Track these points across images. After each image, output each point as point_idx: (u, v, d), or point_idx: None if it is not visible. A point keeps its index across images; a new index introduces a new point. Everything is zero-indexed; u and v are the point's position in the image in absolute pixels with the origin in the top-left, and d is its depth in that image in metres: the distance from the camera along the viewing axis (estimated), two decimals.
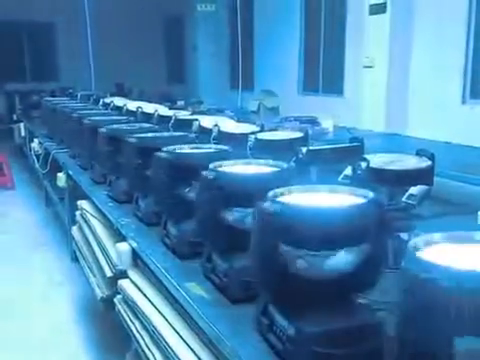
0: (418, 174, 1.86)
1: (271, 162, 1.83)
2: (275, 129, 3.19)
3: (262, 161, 1.88)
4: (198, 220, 1.80)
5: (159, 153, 2.15)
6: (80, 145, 3.95)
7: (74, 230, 3.58)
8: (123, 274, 2.34)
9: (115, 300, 2.37)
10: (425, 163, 1.89)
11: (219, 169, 1.75)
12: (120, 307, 2.31)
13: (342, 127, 6.49)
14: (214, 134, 2.72)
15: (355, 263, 1.24)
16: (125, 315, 2.23)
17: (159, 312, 1.93)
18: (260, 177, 1.72)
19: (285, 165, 1.78)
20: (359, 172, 1.82)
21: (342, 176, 2.11)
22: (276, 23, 9.85)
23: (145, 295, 2.09)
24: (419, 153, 1.96)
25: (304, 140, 2.53)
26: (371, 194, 1.33)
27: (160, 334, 1.83)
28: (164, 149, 2.17)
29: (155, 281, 2.05)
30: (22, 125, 8.17)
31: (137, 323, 2.10)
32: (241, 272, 1.60)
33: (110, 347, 3.23)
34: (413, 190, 1.92)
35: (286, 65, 9.73)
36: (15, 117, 9.73)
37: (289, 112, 7.94)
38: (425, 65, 6.48)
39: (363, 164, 1.81)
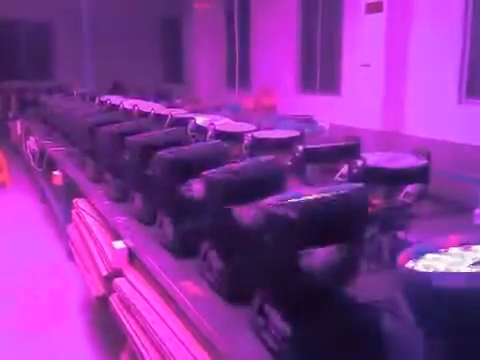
0: (414, 172, 1.86)
1: None
2: (272, 128, 3.18)
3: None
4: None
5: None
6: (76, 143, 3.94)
7: (70, 228, 3.57)
8: (119, 273, 2.33)
9: (110, 299, 2.36)
10: (421, 161, 1.89)
11: None
12: (115, 306, 2.30)
13: (339, 126, 6.49)
14: (210, 133, 2.71)
15: None
16: (120, 314, 2.22)
17: (155, 311, 1.93)
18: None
19: None
20: (355, 171, 1.81)
21: (338, 175, 2.11)
22: (273, 21, 9.84)
23: (141, 294, 2.08)
24: (415, 152, 1.96)
25: (300, 139, 2.53)
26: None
27: (155, 332, 1.83)
28: None
29: (151, 280, 2.05)
30: (18, 123, 8.14)
31: (132, 321, 2.09)
32: (236, 271, 1.60)
33: (105, 345, 3.22)
34: (409, 188, 1.92)
35: (283, 64, 9.72)
36: (11, 115, 9.70)
37: (286, 111, 7.95)
38: (421, 64, 6.49)
39: (359, 163, 1.80)
